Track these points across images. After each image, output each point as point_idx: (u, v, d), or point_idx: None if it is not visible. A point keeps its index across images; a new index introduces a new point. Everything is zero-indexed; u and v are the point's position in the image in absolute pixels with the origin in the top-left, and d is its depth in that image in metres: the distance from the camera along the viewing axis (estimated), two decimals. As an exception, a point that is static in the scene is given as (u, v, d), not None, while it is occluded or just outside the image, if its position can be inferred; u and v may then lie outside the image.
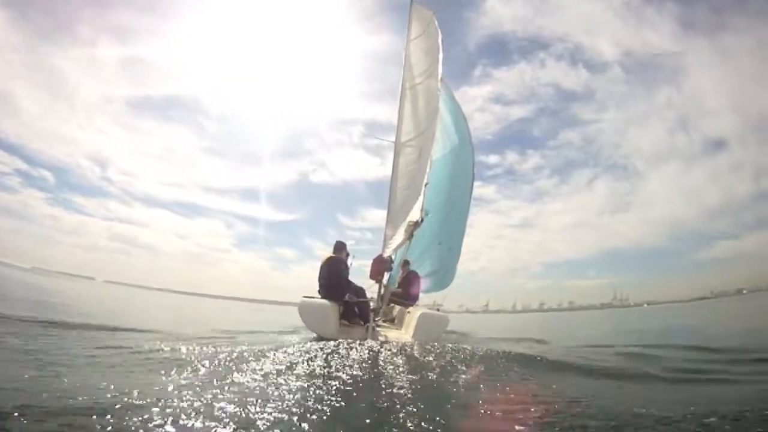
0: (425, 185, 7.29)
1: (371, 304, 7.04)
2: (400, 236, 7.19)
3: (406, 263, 8.54)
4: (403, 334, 6.40)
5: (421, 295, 8.72)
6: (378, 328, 6.60)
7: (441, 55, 9.12)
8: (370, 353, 4.29)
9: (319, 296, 6.36)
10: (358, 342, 4.97)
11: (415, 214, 7.02)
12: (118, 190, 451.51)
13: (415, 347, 4.81)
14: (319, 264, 6.71)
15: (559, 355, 5.14)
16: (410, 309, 7.13)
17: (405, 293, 7.92)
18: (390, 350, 4.58)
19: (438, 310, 7.89)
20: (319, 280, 6.52)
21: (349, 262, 7.10)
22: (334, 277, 6.49)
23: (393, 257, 7.74)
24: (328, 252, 6.90)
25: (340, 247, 6.99)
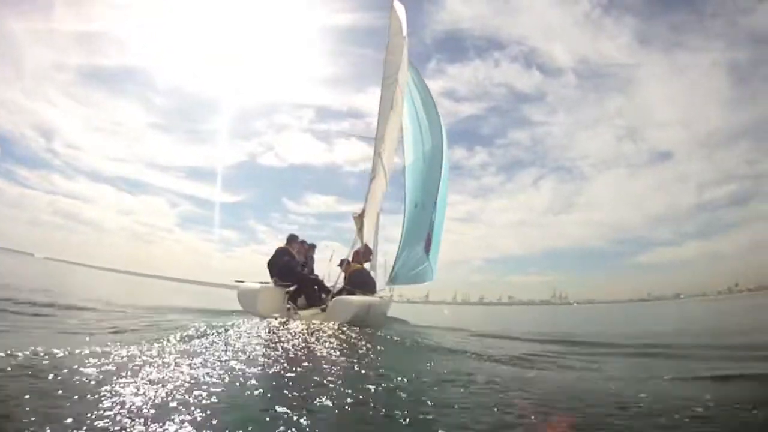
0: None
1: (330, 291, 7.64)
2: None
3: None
4: (317, 315, 6.69)
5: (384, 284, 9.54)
6: (304, 311, 6.88)
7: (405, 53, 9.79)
8: (262, 330, 4.74)
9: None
10: (266, 320, 5.54)
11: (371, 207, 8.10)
12: (62, 163, 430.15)
13: (302, 326, 5.32)
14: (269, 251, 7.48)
15: (453, 342, 5.79)
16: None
17: (352, 282, 8.11)
18: (277, 327, 5.11)
19: (381, 297, 8.67)
20: (268, 266, 7.29)
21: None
22: (278, 264, 7.22)
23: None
24: (281, 241, 7.70)
25: (291, 238, 7.74)
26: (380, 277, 9.88)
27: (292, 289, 7.33)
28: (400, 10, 10.60)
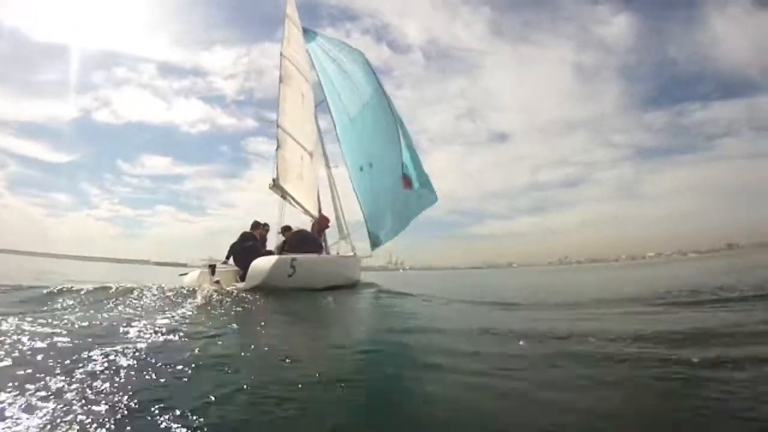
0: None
1: None
2: None
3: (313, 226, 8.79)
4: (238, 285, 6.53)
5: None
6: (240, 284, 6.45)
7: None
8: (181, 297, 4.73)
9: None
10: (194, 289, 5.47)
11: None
12: None
13: (212, 293, 5.25)
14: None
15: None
16: None
17: (291, 245, 7.76)
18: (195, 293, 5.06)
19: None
20: (230, 249, 7.39)
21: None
22: (241, 248, 7.30)
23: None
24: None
25: (255, 225, 7.88)
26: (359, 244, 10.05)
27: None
28: None
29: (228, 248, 7.36)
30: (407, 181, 9.98)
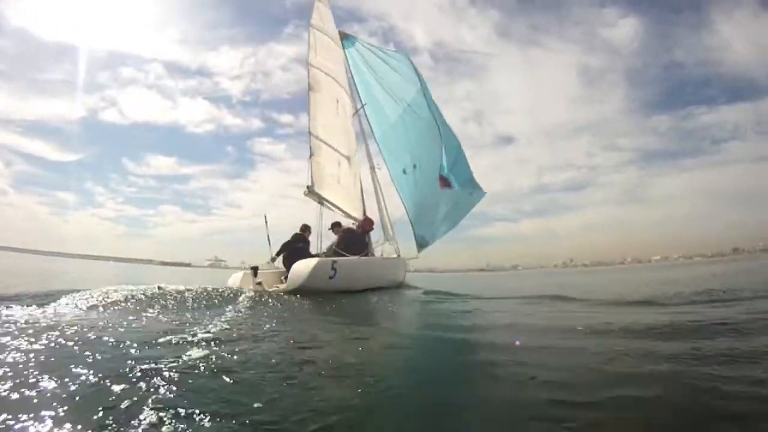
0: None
1: None
2: None
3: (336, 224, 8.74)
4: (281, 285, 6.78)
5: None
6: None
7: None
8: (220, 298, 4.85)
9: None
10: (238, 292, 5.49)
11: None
12: None
13: (249, 294, 5.28)
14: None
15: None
16: None
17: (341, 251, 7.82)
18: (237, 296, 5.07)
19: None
20: (282, 248, 7.66)
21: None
22: (292, 249, 7.54)
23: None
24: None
25: (305, 227, 8.09)
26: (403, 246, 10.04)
27: None
28: None
29: (279, 246, 7.56)
30: (445, 182, 9.97)
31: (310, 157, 8.86)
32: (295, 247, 7.50)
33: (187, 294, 4.88)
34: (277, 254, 7.55)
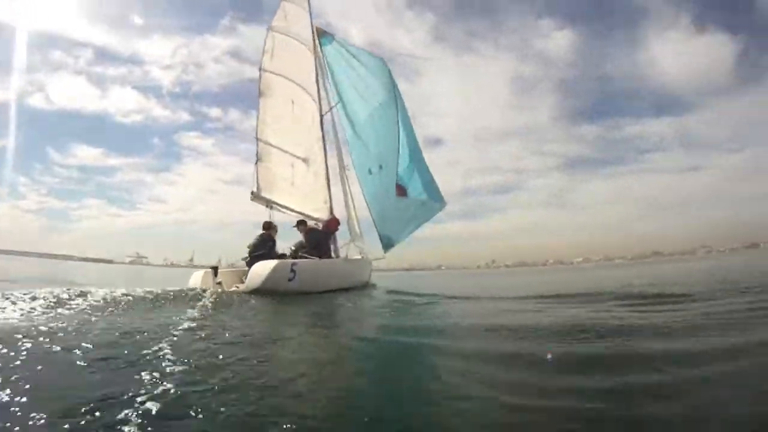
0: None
1: None
2: None
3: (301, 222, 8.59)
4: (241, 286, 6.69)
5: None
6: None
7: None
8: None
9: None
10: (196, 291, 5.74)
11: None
12: None
13: (206, 295, 5.36)
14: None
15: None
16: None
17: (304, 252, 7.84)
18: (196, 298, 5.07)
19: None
20: (250, 249, 7.47)
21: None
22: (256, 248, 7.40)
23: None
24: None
25: (269, 225, 7.92)
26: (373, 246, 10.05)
27: None
28: None
29: (247, 248, 7.40)
30: (401, 190, 9.86)
31: (257, 163, 8.98)
32: (262, 254, 7.18)
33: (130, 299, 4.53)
34: (250, 258, 7.27)
